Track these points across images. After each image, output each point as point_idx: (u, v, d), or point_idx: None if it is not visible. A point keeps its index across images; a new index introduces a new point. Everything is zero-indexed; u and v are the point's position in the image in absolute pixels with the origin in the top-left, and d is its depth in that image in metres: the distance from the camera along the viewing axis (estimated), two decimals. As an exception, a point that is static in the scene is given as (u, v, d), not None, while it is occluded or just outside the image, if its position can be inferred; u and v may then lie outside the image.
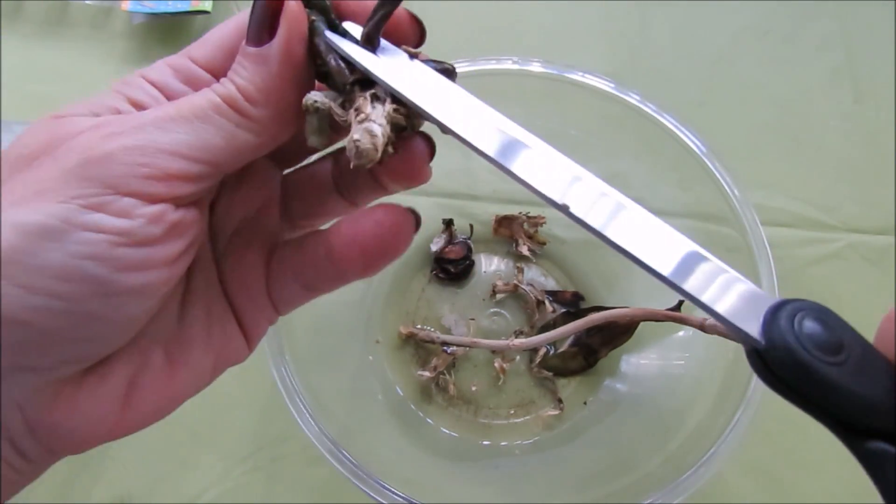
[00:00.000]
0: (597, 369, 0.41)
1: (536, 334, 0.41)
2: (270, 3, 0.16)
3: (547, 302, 0.42)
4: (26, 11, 0.50)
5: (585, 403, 0.40)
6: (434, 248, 0.43)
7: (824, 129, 0.50)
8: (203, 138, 0.16)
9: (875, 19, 0.53)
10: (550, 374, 0.41)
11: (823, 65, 0.52)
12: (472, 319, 0.42)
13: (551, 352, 0.41)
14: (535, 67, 0.34)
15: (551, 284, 0.43)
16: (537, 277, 0.44)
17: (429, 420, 0.39)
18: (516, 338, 0.42)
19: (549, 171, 0.18)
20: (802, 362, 0.15)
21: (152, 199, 0.15)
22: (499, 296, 0.43)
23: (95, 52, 0.49)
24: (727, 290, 0.17)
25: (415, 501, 0.28)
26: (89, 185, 0.14)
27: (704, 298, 0.17)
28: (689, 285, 0.17)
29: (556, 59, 0.34)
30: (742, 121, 0.50)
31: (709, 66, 0.52)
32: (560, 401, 0.39)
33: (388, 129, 0.17)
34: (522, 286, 0.43)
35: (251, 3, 0.17)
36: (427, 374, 0.39)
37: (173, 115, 0.15)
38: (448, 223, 0.44)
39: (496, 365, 0.40)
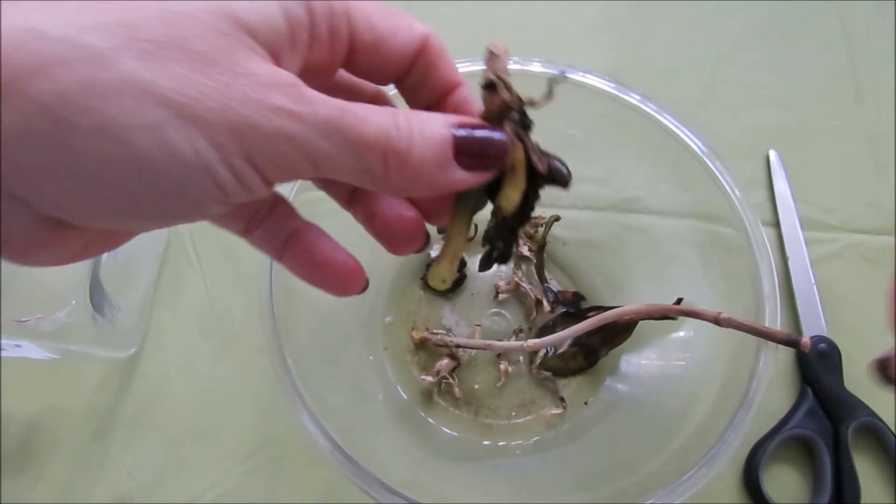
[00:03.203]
0: (597, 369, 0.41)
1: (536, 334, 0.41)
2: (503, 151, 0.18)
3: (546, 301, 0.42)
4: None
5: (586, 404, 0.40)
6: (433, 253, 0.43)
7: (825, 129, 0.50)
8: (342, 162, 0.16)
9: (875, 19, 0.53)
10: (550, 374, 0.41)
11: (824, 65, 0.52)
12: (479, 325, 0.42)
13: (551, 353, 0.41)
14: (536, 67, 0.34)
15: (552, 284, 0.43)
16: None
17: (430, 420, 0.39)
18: (515, 337, 0.42)
19: None
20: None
21: (268, 182, 0.16)
22: (501, 296, 0.43)
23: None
24: None
25: (415, 501, 0.28)
26: (237, 145, 0.15)
27: None
28: None
29: (557, 59, 0.34)
30: (742, 121, 0.50)
31: (709, 66, 0.52)
32: (562, 399, 0.39)
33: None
34: (523, 283, 0.42)
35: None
36: (430, 378, 0.39)
37: (341, 127, 0.16)
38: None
39: (501, 367, 0.40)
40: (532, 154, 0.18)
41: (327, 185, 0.22)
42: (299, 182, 0.32)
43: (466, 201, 0.20)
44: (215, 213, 0.16)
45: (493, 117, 0.18)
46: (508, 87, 0.18)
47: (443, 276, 0.21)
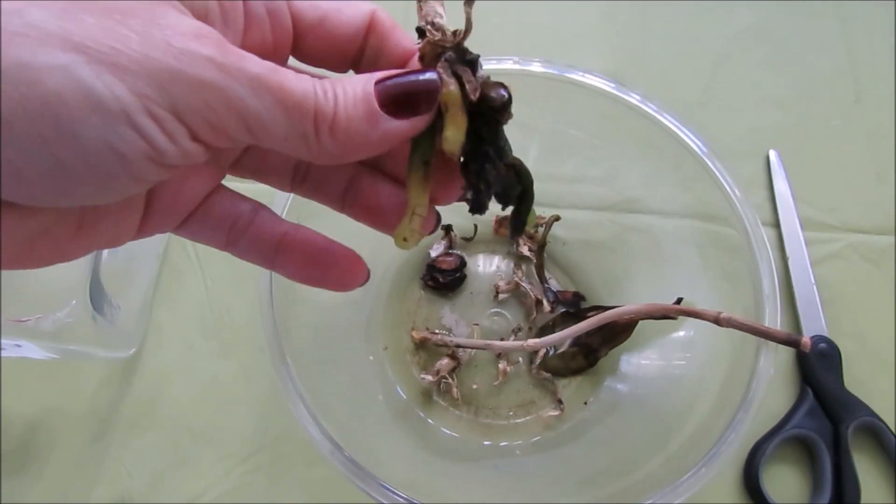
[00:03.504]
0: (597, 369, 0.41)
1: (536, 334, 0.41)
2: (432, 90, 0.17)
3: (545, 301, 0.42)
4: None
5: (586, 404, 0.40)
6: (434, 253, 0.43)
7: (825, 129, 0.50)
8: (274, 125, 0.16)
9: (875, 19, 0.53)
10: (550, 374, 0.41)
11: (824, 65, 0.52)
12: (476, 325, 0.42)
13: (551, 353, 0.41)
14: (536, 67, 0.34)
15: (552, 284, 0.43)
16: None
17: (429, 420, 0.39)
18: (514, 336, 0.42)
19: None
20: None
21: (196, 139, 0.15)
22: (501, 296, 0.43)
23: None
24: None
25: (415, 501, 0.28)
26: (161, 94, 0.14)
27: None
28: None
29: (557, 59, 0.34)
30: (742, 121, 0.50)
31: (709, 66, 0.52)
32: (560, 401, 0.39)
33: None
34: (523, 283, 0.42)
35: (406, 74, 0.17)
36: (430, 377, 0.39)
37: (272, 87, 0.15)
38: (447, 229, 0.44)
39: (500, 367, 0.40)
40: (466, 86, 0.17)
41: (317, 189, 0.22)
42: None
43: (417, 152, 0.19)
44: (154, 178, 0.15)
45: (430, 62, 0.18)
46: (438, 29, 0.18)
47: (403, 234, 0.19)
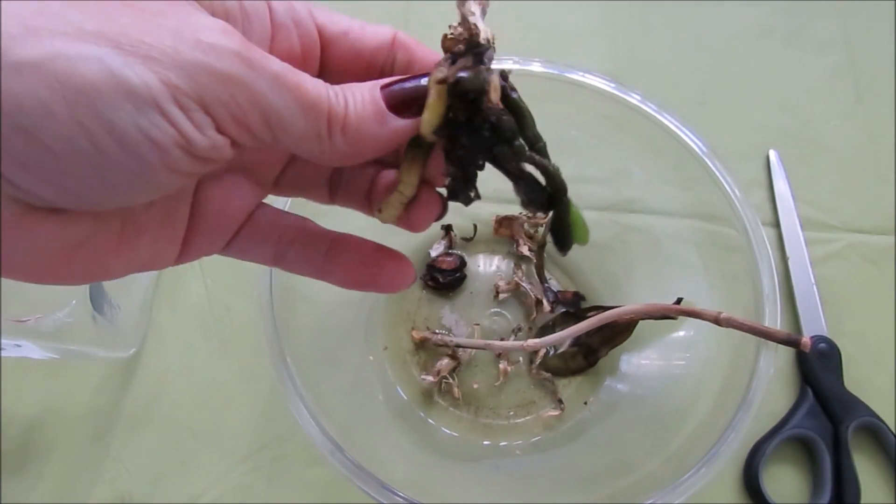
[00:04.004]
0: (597, 369, 0.41)
1: (536, 334, 0.41)
2: (417, 88, 0.18)
3: (545, 301, 0.42)
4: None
5: (586, 404, 0.40)
6: (434, 253, 0.43)
7: (825, 128, 0.50)
8: (292, 123, 0.16)
9: (875, 19, 0.53)
10: (550, 374, 0.41)
11: (824, 65, 0.52)
12: (477, 325, 0.42)
13: (551, 353, 0.41)
14: (536, 67, 0.34)
15: (552, 284, 0.43)
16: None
17: (430, 420, 0.39)
18: (514, 336, 0.42)
19: None
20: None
21: (222, 131, 0.16)
22: (502, 296, 0.43)
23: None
24: None
25: (415, 501, 0.28)
26: (189, 85, 0.15)
27: None
28: None
29: (557, 58, 0.34)
30: (742, 121, 0.50)
31: (709, 66, 0.52)
32: (560, 401, 0.39)
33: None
34: (523, 283, 0.43)
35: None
36: (430, 378, 0.39)
37: (292, 85, 0.16)
38: (447, 229, 0.44)
39: (501, 367, 0.40)
40: (447, 72, 0.18)
41: (348, 195, 0.23)
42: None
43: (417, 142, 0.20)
44: (187, 169, 0.16)
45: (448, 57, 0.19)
46: (465, 26, 0.18)
47: (381, 205, 0.21)
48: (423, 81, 0.18)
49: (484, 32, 0.18)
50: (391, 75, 0.20)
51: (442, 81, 0.18)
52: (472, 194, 0.20)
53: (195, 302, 0.42)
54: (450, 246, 0.44)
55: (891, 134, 0.49)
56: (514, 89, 0.19)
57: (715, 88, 0.51)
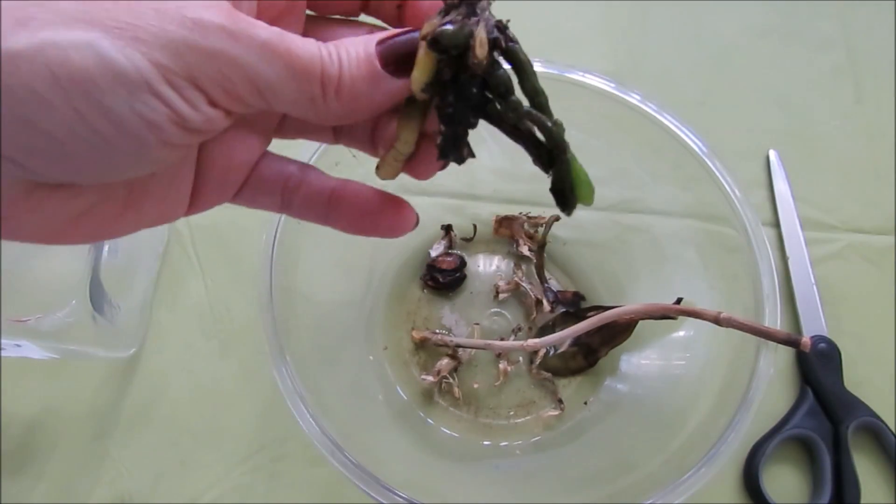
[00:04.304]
0: (597, 369, 0.41)
1: (536, 334, 0.41)
2: (412, 44, 0.17)
3: (545, 301, 0.42)
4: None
5: (586, 404, 0.40)
6: (434, 253, 0.43)
7: (825, 129, 0.50)
8: (284, 89, 0.16)
9: (875, 19, 0.53)
10: (550, 374, 0.41)
11: (824, 65, 0.52)
12: (477, 324, 0.42)
13: (551, 353, 0.41)
14: (536, 67, 0.34)
15: (552, 284, 0.43)
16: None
17: (429, 420, 0.39)
18: (514, 336, 0.42)
19: None
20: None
21: (214, 104, 0.16)
22: (502, 296, 0.43)
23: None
24: None
25: (415, 501, 0.28)
26: (178, 63, 0.15)
27: None
28: None
29: (557, 58, 0.34)
30: (742, 121, 0.50)
31: (709, 66, 0.52)
32: (560, 401, 0.39)
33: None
34: (523, 283, 0.42)
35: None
36: (430, 378, 0.39)
37: (281, 52, 0.16)
38: (447, 229, 0.44)
39: (500, 367, 0.40)
40: (431, 24, 0.17)
41: (352, 136, 0.22)
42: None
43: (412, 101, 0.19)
44: (184, 141, 0.16)
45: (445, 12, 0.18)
46: None
47: (379, 163, 0.20)
48: (417, 36, 0.17)
49: None
50: (374, 3, 0.20)
51: (425, 37, 0.17)
52: (465, 152, 0.19)
53: (195, 302, 0.42)
54: (450, 246, 0.44)
55: (891, 134, 0.49)
56: (512, 40, 0.18)
57: (715, 88, 0.51)
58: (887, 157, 0.48)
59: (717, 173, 0.33)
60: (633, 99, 0.34)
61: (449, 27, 0.17)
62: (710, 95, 0.50)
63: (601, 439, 0.37)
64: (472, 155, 0.19)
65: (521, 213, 0.44)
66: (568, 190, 0.21)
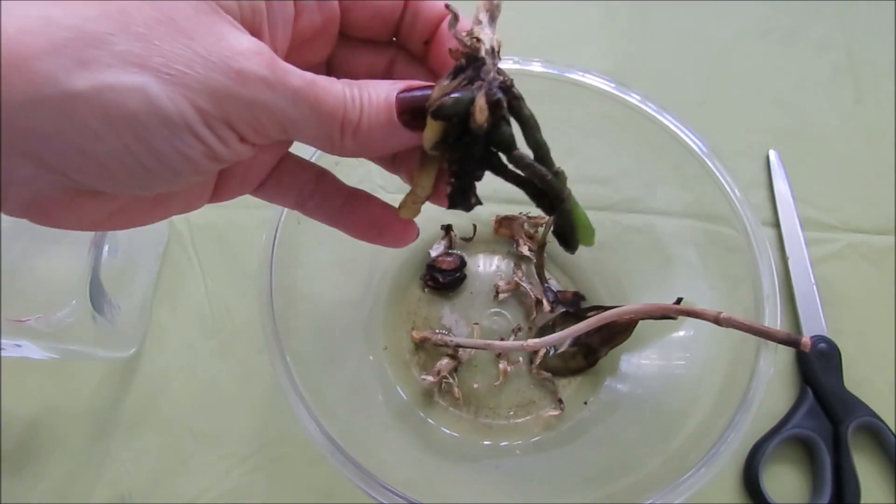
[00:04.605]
0: (597, 369, 0.41)
1: (536, 334, 0.41)
2: (423, 100, 0.19)
3: (545, 301, 0.42)
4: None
5: (586, 403, 0.40)
6: (434, 253, 0.43)
7: (825, 129, 0.50)
8: (307, 128, 0.18)
9: (875, 19, 0.53)
10: (550, 374, 0.41)
11: (824, 65, 0.52)
12: (476, 324, 0.42)
13: (551, 353, 0.41)
14: (536, 67, 0.34)
15: (552, 284, 0.43)
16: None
17: (429, 420, 0.39)
18: (514, 336, 0.42)
19: None
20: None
21: (244, 141, 0.18)
22: (502, 296, 0.43)
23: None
24: None
25: (415, 501, 0.28)
26: (217, 109, 0.17)
27: None
28: None
29: (557, 58, 0.34)
30: (742, 121, 0.50)
31: (709, 66, 0.52)
32: (560, 401, 0.39)
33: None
34: (523, 283, 0.42)
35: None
36: (430, 378, 0.39)
37: (310, 99, 0.18)
38: (447, 229, 0.44)
39: (501, 367, 0.40)
40: (441, 87, 0.19)
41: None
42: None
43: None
44: (210, 169, 0.18)
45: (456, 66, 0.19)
46: (470, 35, 0.19)
47: (401, 203, 0.22)
48: (428, 93, 0.19)
49: (489, 41, 0.19)
50: (402, 30, 0.21)
51: (430, 106, 0.19)
52: (472, 201, 0.21)
53: (195, 302, 0.42)
54: (450, 246, 0.44)
55: (891, 134, 0.49)
56: (517, 97, 0.20)
57: (715, 88, 0.51)
58: (887, 157, 0.48)
59: (717, 173, 0.33)
60: (633, 99, 0.34)
61: (450, 98, 0.19)
62: (710, 95, 0.50)
63: (601, 439, 0.37)
64: (480, 202, 0.21)
65: (521, 213, 0.44)
66: (569, 233, 0.22)
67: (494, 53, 0.19)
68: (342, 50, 0.22)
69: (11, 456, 0.38)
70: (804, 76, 0.51)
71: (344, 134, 0.19)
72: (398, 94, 0.19)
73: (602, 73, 0.34)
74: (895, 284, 0.44)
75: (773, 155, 0.48)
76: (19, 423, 0.39)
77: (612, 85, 0.34)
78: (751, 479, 0.38)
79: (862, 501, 0.37)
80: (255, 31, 0.18)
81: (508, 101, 0.19)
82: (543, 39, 0.52)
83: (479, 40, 0.19)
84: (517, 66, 0.34)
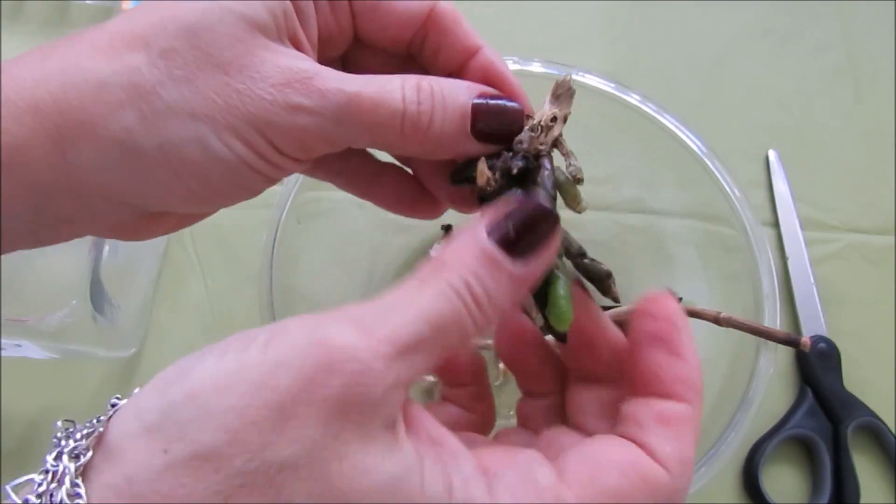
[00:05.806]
0: (597, 369, 0.40)
1: (537, 334, 0.41)
2: (517, 118, 0.20)
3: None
4: (26, 11, 0.50)
5: (586, 403, 0.40)
6: (434, 253, 0.43)
7: (825, 129, 0.50)
8: (361, 140, 0.20)
9: (875, 19, 0.53)
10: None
11: (824, 65, 0.52)
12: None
13: (551, 352, 0.41)
14: (536, 67, 0.34)
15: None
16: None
17: (429, 420, 0.39)
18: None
19: None
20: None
21: (295, 160, 0.20)
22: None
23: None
24: None
25: (415, 501, 0.28)
26: (266, 140, 0.18)
27: None
28: None
29: (556, 59, 0.34)
30: (742, 121, 0.50)
31: (709, 66, 0.52)
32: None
33: None
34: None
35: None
36: (430, 378, 0.39)
37: (356, 116, 0.19)
38: (447, 229, 0.44)
39: (501, 367, 0.40)
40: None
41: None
42: (300, 181, 0.32)
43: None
44: (265, 187, 0.20)
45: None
46: (534, 130, 0.21)
47: None
48: (509, 106, 0.20)
49: (540, 117, 0.21)
50: (423, 54, 0.21)
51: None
52: None
53: (195, 302, 0.42)
54: (450, 246, 0.44)
55: (891, 134, 0.49)
56: (539, 167, 0.22)
57: (715, 88, 0.51)
58: (887, 157, 0.48)
59: (717, 173, 0.33)
60: (633, 99, 0.34)
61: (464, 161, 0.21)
62: (710, 95, 0.50)
63: (601, 439, 0.37)
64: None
65: (521, 213, 0.44)
66: (551, 305, 0.22)
67: (540, 128, 0.20)
68: (354, 53, 0.22)
69: (11, 456, 0.38)
70: (804, 76, 0.51)
71: (406, 138, 0.19)
72: (474, 100, 0.20)
73: (602, 73, 0.34)
74: (895, 284, 0.44)
75: (772, 155, 0.48)
76: (19, 423, 0.39)
77: (612, 85, 0.34)
78: (750, 479, 0.38)
79: (861, 501, 0.37)
80: (291, 35, 0.19)
81: (526, 168, 0.20)
82: (543, 39, 0.52)
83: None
84: (517, 67, 0.34)
